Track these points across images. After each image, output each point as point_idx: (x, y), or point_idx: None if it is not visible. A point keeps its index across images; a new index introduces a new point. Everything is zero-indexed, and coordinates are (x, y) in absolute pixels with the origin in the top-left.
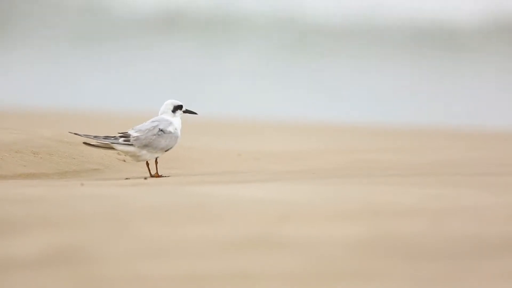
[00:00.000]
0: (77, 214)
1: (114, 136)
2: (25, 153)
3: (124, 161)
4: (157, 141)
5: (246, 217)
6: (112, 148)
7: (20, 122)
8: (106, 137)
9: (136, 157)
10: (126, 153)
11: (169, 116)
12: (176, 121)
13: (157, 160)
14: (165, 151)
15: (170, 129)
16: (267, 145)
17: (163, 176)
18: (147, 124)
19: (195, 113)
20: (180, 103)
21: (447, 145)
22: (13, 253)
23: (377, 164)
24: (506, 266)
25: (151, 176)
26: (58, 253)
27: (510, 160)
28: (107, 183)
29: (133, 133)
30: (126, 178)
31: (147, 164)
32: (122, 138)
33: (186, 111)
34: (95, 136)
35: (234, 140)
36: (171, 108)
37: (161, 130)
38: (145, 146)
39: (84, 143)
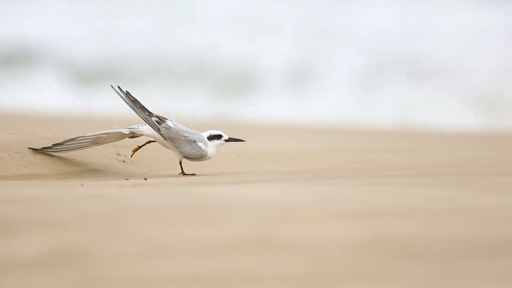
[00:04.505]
0: (77, 214)
1: (151, 113)
2: (25, 153)
3: (124, 162)
4: (183, 143)
5: (246, 217)
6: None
7: (20, 123)
8: (143, 108)
9: (157, 140)
10: (151, 134)
11: (205, 139)
12: (210, 146)
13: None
14: (184, 157)
15: (201, 144)
16: (266, 145)
17: (188, 175)
18: (186, 128)
19: (243, 140)
20: (217, 133)
21: (447, 146)
22: (13, 253)
23: (377, 164)
24: (506, 266)
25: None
26: (58, 254)
27: (510, 161)
28: (107, 183)
29: (169, 122)
30: (126, 179)
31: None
32: (155, 119)
33: (230, 139)
34: (133, 100)
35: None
36: (207, 136)
37: (193, 141)
38: (169, 138)
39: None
